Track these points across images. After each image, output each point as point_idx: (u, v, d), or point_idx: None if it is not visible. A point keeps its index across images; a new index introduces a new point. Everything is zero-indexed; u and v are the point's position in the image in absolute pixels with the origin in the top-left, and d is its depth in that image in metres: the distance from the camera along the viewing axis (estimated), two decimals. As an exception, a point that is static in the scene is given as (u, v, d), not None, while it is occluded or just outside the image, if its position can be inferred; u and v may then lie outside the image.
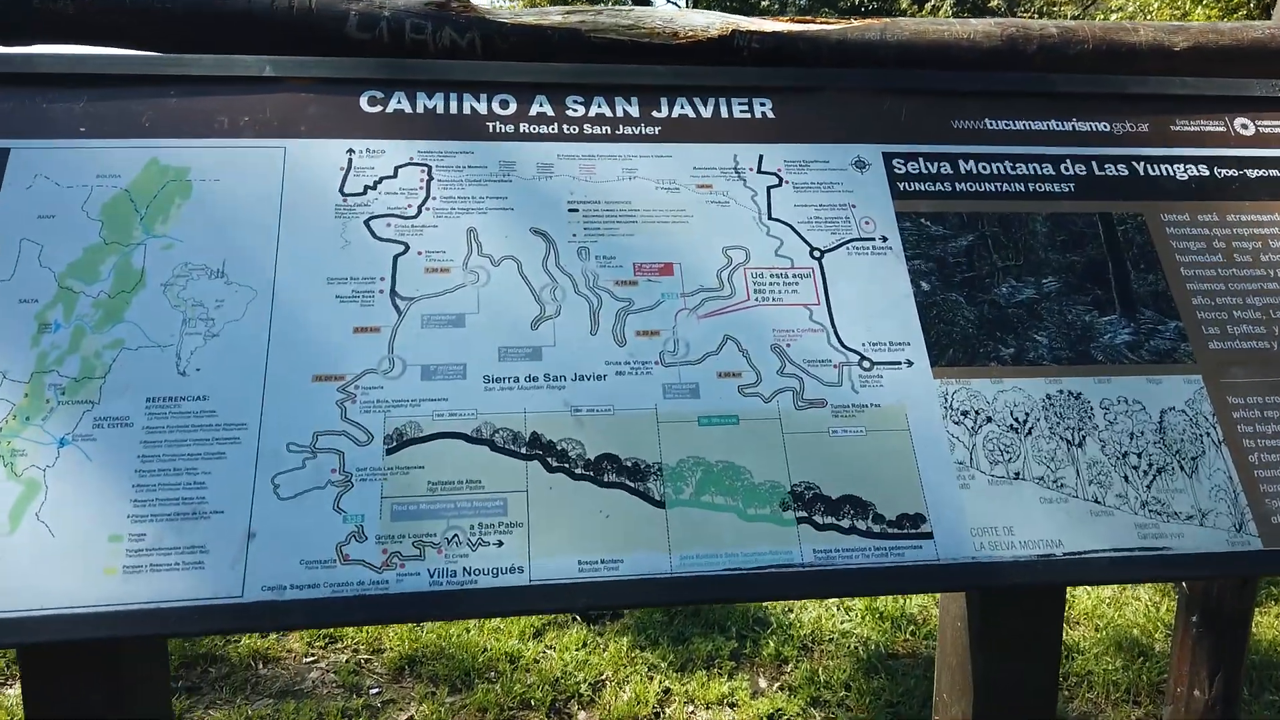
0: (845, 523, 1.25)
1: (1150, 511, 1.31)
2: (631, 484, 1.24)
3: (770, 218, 1.49)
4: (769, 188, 1.52)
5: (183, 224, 1.35)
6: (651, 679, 3.18)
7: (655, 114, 1.57)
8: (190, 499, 1.16)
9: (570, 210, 1.45)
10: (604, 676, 3.21)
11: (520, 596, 1.15)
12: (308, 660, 3.35)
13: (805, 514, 1.25)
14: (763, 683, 3.20)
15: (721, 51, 1.78)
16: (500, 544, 1.18)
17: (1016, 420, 1.36)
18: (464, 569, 1.16)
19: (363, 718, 3.02)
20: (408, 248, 1.38)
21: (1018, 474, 1.32)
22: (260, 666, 3.29)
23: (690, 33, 1.79)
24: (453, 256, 1.38)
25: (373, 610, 1.12)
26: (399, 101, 1.51)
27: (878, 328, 1.41)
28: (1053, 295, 1.48)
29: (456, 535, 1.18)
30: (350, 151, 1.45)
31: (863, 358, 1.38)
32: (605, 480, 1.24)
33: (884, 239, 1.49)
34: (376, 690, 3.18)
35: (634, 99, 1.58)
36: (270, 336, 1.28)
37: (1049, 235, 1.54)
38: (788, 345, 1.37)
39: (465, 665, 3.25)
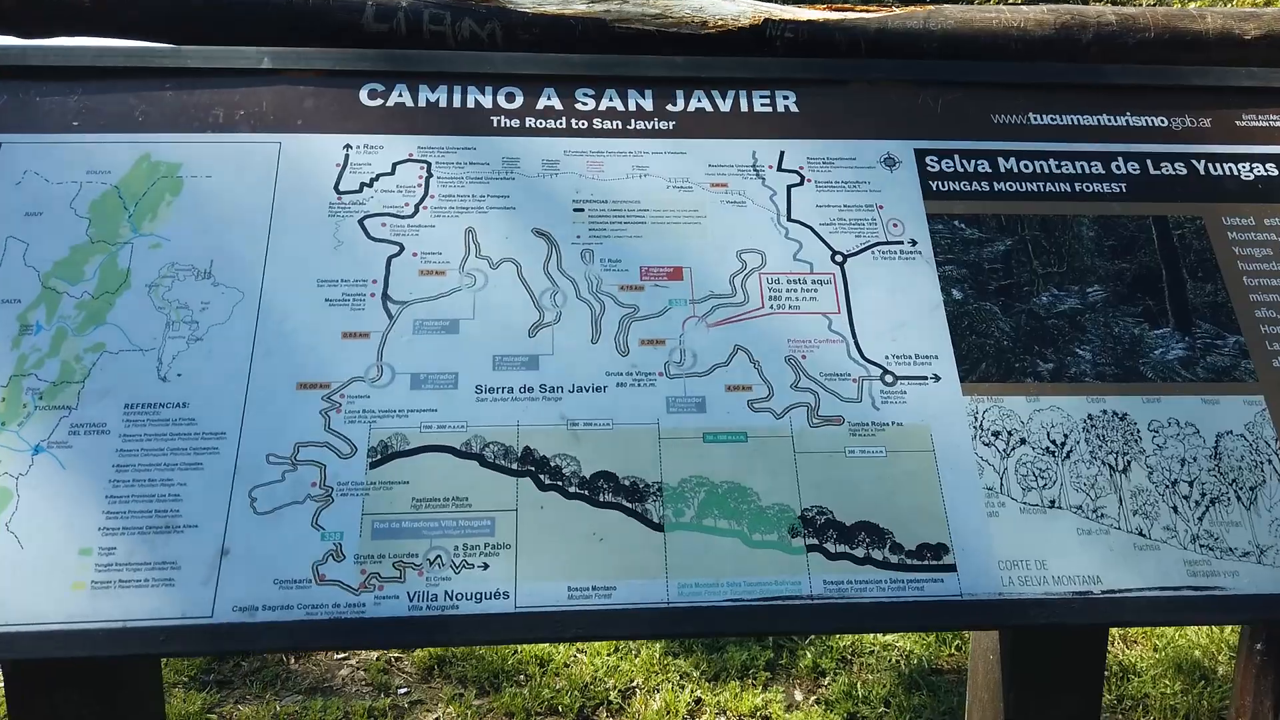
0: (860, 552, 1.15)
1: (1202, 546, 1.19)
2: (629, 505, 1.16)
3: (790, 219, 1.39)
4: (789, 187, 1.42)
5: (172, 222, 1.30)
6: (683, 688, 3.09)
7: (670, 108, 1.48)
8: (164, 512, 1.11)
9: (575, 210, 1.37)
10: (634, 684, 3.13)
11: (504, 625, 1.08)
12: (339, 657, 3.33)
13: (816, 541, 1.15)
14: (798, 695, 3.09)
15: (753, 42, 1.69)
16: (485, 566, 1.11)
17: (1053, 442, 1.24)
18: (445, 593, 1.09)
19: (389, 718, 2.99)
20: (402, 249, 1.31)
21: (1053, 502, 1.21)
22: (292, 662, 3.29)
23: (720, 22, 1.70)
24: (449, 258, 1.31)
25: (346, 636, 1.06)
26: (400, 94, 1.44)
27: (903, 339, 1.30)
28: (1098, 306, 1.36)
29: (439, 556, 1.11)
30: (347, 147, 1.39)
31: (885, 371, 1.27)
32: (601, 500, 1.16)
33: (913, 242, 1.38)
34: (405, 690, 3.15)
35: (648, 92, 1.49)
36: (255, 341, 1.22)
37: (1096, 240, 1.41)
38: (803, 357, 1.27)
39: (495, 668, 3.20)
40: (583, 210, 1.37)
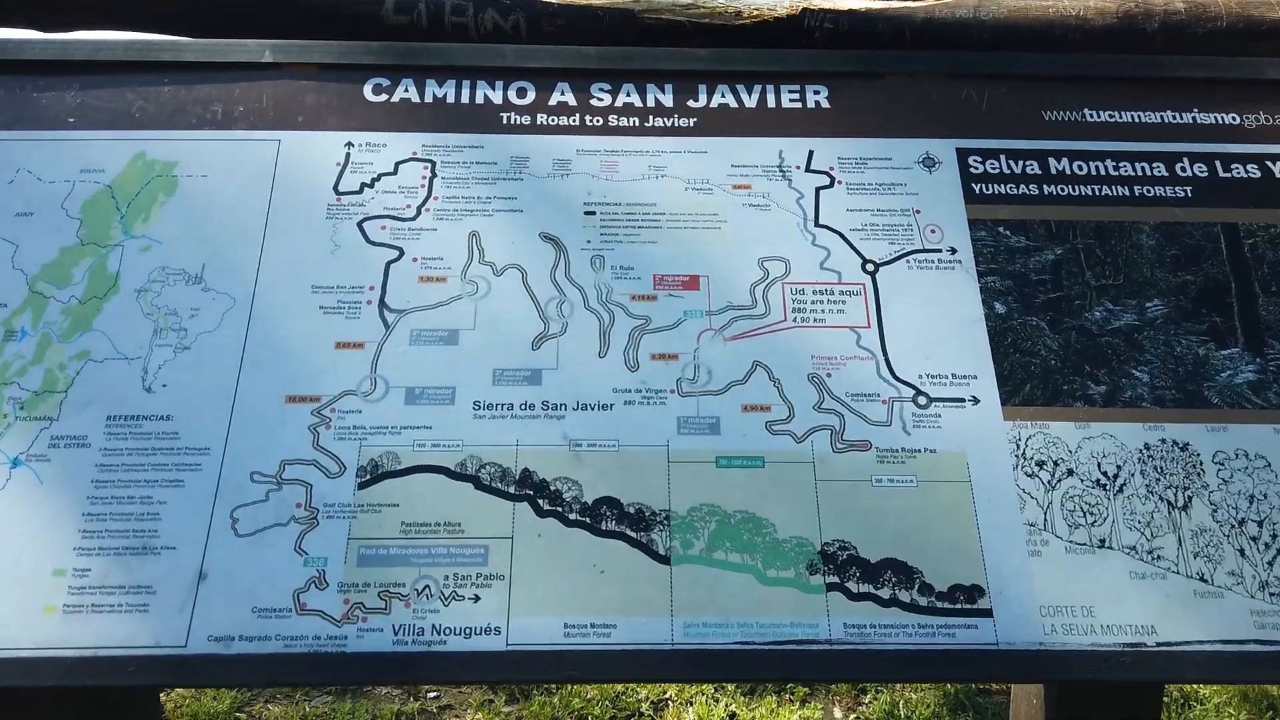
0: (885, 592, 1.05)
1: (1271, 595, 1.07)
2: (633, 534, 1.07)
3: (817, 224, 1.28)
4: (818, 189, 1.31)
5: (164, 224, 1.24)
6: (717, 701, 3.00)
7: (691, 103, 1.38)
8: (142, 532, 1.05)
9: (586, 213, 1.28)
10: (667, 696, 3.05)
11: (493, 664, 1.00)
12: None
13: (837, 580, 1.05)
14: (838, 713, 2.98)
15: (790, 33, 1.59)
16: (477, 599, 1.03)
17: (1105, 474, 1.13)
18: (433, 627, 1.01)
19: (414, 721, 2.95)
20: (402, 253, 1.24)
21: (1103, 541, 1.09)
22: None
23: (755, 12, 1.60)
24: (451, 264, 1.23)
25: (324, 671, 0.99)
26: (406, 90, 1.37)
27: (939, 356, 1.19)
28: (1158, 322, 1.23)
29: (428, 586, 1.03)
30: (349, 145, 1.32)
31: (918, 392, 1.17)
32: (603, 528, 1.08)
33: (952, 250, 1.27)
34: (435, 695, 3.10)
35: (668, 86, 1.39)
36: (244, 351, 1.16)
37: (1157, 249, 1.28)
38: (828, 375, 1.17)
39: (522, 674, 3.13)
40: (594, 213, 1.28)
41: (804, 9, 1.61)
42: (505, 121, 1.35)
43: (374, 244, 1.24)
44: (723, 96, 1.39)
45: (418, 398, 1.14)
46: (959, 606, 1.04)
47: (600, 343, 1.19)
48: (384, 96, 1.36)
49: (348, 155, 1.31)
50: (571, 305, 1.21)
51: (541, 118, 1.36)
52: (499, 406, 1.14)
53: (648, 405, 1.15)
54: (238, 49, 1.37)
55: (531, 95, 1.38)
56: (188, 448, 1.10)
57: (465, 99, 1.37)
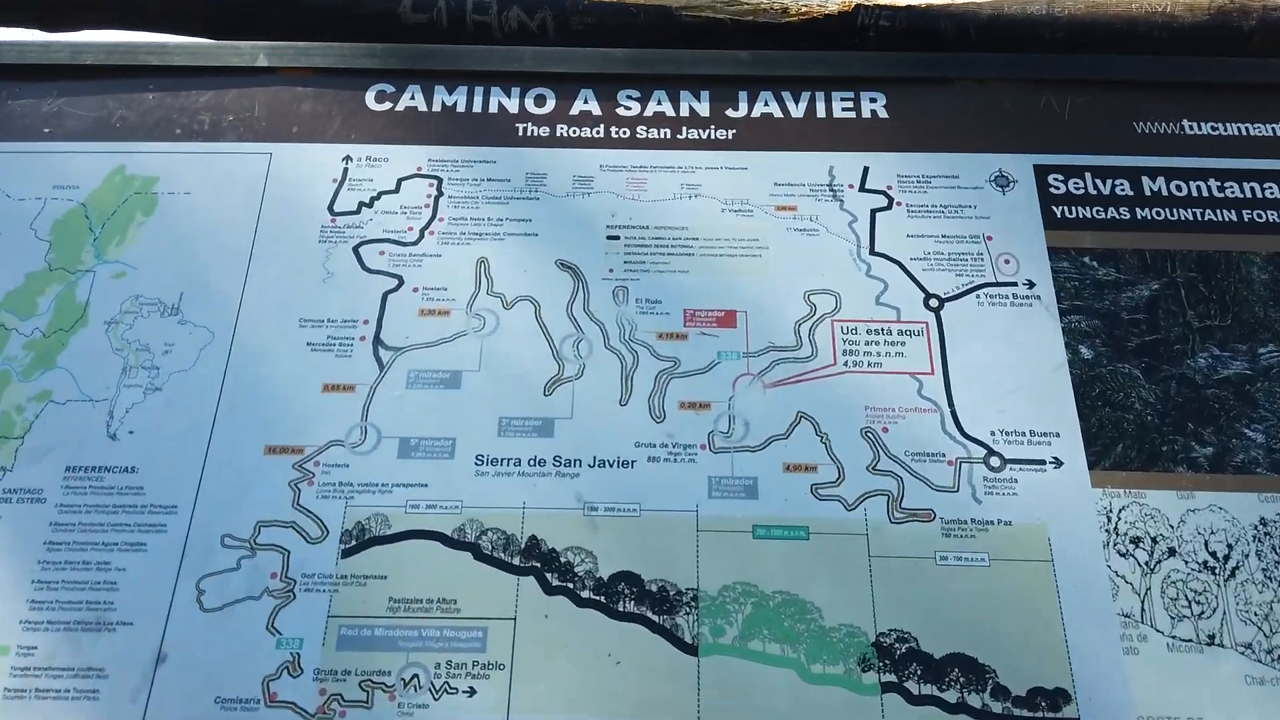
0: (952, 695, 0.89)
1: None
2: (655, 617, 0.92)
3: (873, 252, 1.12)
4: (874, 211, 1.15)
5: (141, 247, 1.12)
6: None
7: (730, 113, 1.23)
8: (97, 603, 0.93)
9: (609, 238, 1.13)
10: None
11: (489, 773, 0.85)
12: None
13: (895, 679, 0.90)
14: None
15: (842, 32, 1.43)
16: (472, 692, 0.89)
17: (1214, 555, 0.95)
18: (421, 724, 0.88)
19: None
20: (401, 282, 1.10)
21: (1213, 637, 0.92)
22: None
23: (804, 9, 1.45)
24: (455, 295, 1.09)
25: (294, 778, 0.85)
26: (412, 97, 1.23)
27: (1015, 410, 1.02)
28: (1274, 371, 1.05)
29: (417, 676, 0.89)
30: (347, 159, 1.18)
31: (991, 452, 1.00)
32: (620, 609, 0.93)
33: (1030, 284, 1.10)
34: None
35: (704, 93, 1.24)
36: (222, 393, 1.03)
37: (1271, 284, 1.10)
38: (885, 430, 1.01)
39: None
40: (618, 238, 1.13)
41: (858, 5, 1.45)
42: (521, 133, 1.21)
43: (370, 271, 1.11)
44: (765, 105, 1.23)
45: (413, 450, 1.00)
46: (1040, 715, 0.88)
47: (621, 388, 1.04)
48: (388, 104, 1.22)
49: (345, 170, 1.17)
50: (590, 344, 1.06)
51: (561, 129, 1.21)
52: (504, 462, 1.00)
53: (675, 462, 1.00)
54: (229, 51, 1.25)
55: (551, 103, 1.23)
56: (153, 505, 0.97)
57: (477, 107, 1.23)
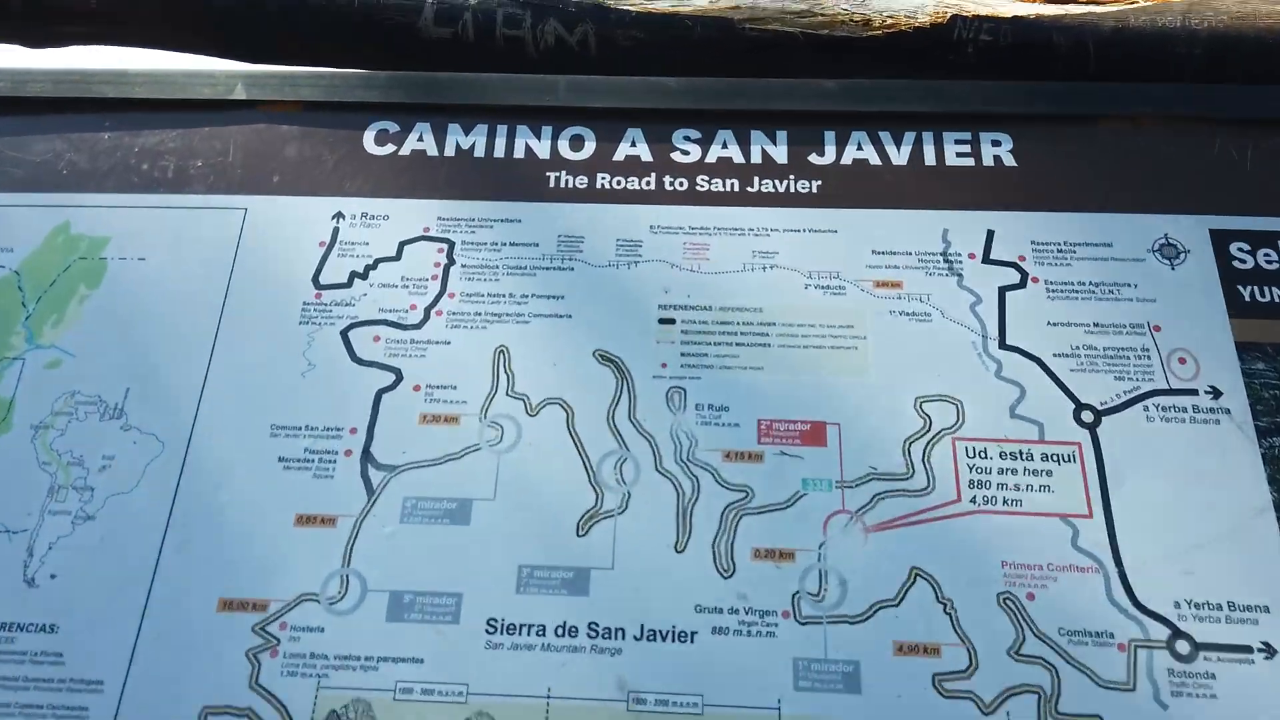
0: None
1: None
2: None
3: (1004, 345, 0.87)
4: (1003, 290, 0.89)
5: (83, 328, 0.90)
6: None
7: (814, 158, 0.98)
8: (-9, 818, 0.71)
9: (662, 321, 0.89)
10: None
11: None
12: None
13: None
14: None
15: (935, 48, 1.19)
16: None
17: None
18: None
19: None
20: (399, 378, 0.87)
21: None
22: None
23: (889, 21, 1.20)
24: (466, 395, 0.86)
25: None
26: (420, 138, 1.00)
27: (1205, 571, 0.76)
28: None
29: None
30: (338, 217, 0.96)
31: (1176, 633, 0.74)
32: None
33: (1214, 393, 0.84)
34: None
35: (780, 133, 1.00)
36: (169, 525, 0.81)
37: None
38: (1030, 596, 0.76)
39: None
40: (673, 322, 0.89)
41: (955, 16, 1.19)
42: (553, 184, 0.97)
43: (362, 363, 0.88)
44: (859, 148, 0.98)
45: (406, 609, 0.77)
46: None
47: (678, 527, 0.80)
48: (389, 147, 1.00)
49: (336, 231, 0.95)
50: (636, 465, 0.82)
51: (603, 179, 0.97)
52: (524, 629, 0.76)
53: (748, 635, 0.75)
54: (200, 81, 1.03)
55: (590, 146, 0.99)
56: (74, 680, 0.75)
57: (499, 151, 0.99)
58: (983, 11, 1.22)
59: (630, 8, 1.25)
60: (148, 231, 0.95)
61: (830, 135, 0.99)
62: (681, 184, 0.97)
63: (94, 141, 1.00)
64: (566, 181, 0.97)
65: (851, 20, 1.22)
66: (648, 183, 0.97)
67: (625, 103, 1.00)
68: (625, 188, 0.97)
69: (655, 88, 1.02)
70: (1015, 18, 1.21)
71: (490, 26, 1.28)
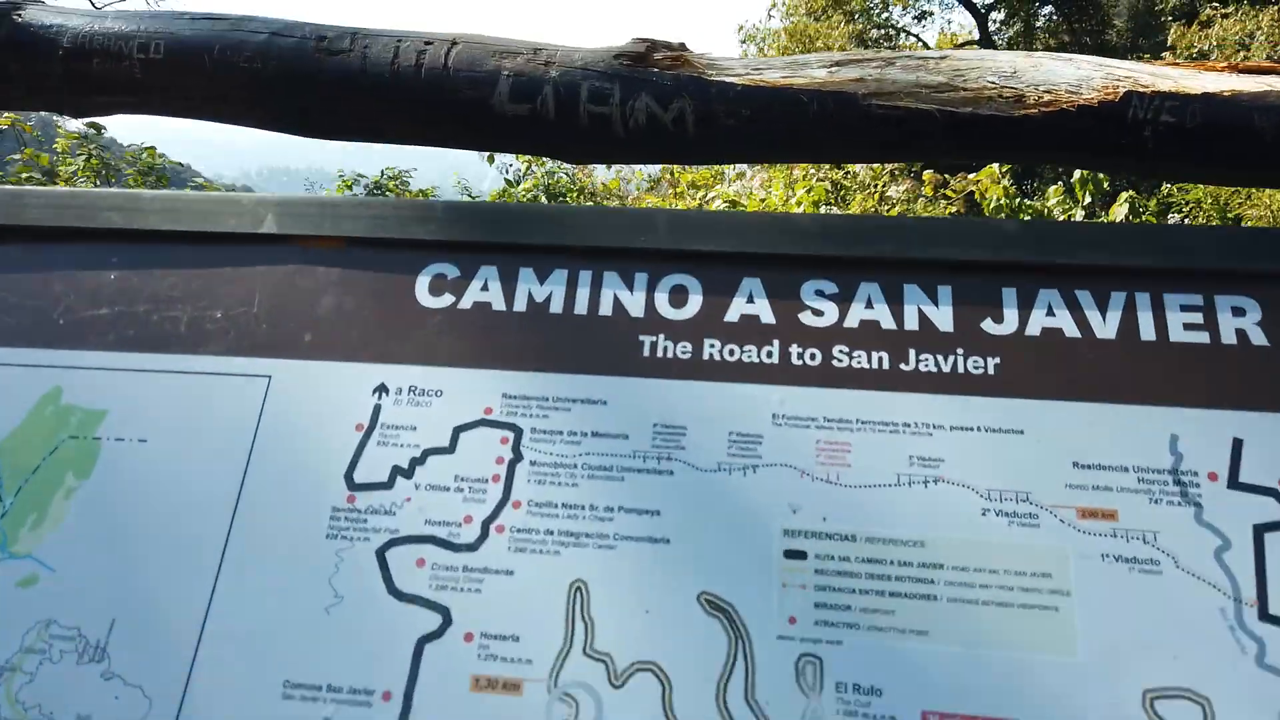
0: None
1: None
2: None
3: (1266, 616, 0.63)
4: (1259, 529, 0.65)
5: (66, 533, 0.73)
6: None
7: (989, 326, 0.75)
8: None
9: (789, 554, 0.68)
10: None
11: None
12: None
13: None
14: None
15: (1103, 130, 0.99)
16: None
17: None
18: None
19: None
20: (447, 621, 0.67)
21: None
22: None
23: (1047, 97, 1.00)
24: (532, 652, 0.66)
25: None
26: (484, 285, 0.81)
27: None
28: None
29: None
30: (380, 390, 0.77)
31: None
32: None
33: None
34: None
35: (943, 290, 0.77)
36: (150, 822, 0.63)
37: None
38: None
39: None
40: (804, 555, 0.67)
41: (1129, 92, 0.97)
42: (649, 351, 0.76)
43: (402, 597, 0.69)
44: (1049, 313, 0.75)
45: None
46: None
47: None
48: (448, 298, 0.80)
49: (377, 411, 0.76)
50: (758, 772, 0.61)
51: (712, 346, 0.76)
52: None
53: None
54: (225, 210, 0.85)
55: (695, 301, 0.78)
56: None
57: (581, 305, 0.79)
58: (1163, 86, 0.99)
59: (734, 79, 1.05)
60: (152, 404, 0.77)
61: (1010, 294, 0.76)
62: (813, 356, 0.75)
63: (95, 284, 0.83)
64: (665, 349, 0.76)
65: (1000, 97, 1.00)
66: (769, 353, 0.75)
67: (740, 245, 0.79)
68: (740, 359, 0.75)
69: (779, 224, 0.80)
70: (1206, 95, 0.97)
71: (573, 102, 1.09)
